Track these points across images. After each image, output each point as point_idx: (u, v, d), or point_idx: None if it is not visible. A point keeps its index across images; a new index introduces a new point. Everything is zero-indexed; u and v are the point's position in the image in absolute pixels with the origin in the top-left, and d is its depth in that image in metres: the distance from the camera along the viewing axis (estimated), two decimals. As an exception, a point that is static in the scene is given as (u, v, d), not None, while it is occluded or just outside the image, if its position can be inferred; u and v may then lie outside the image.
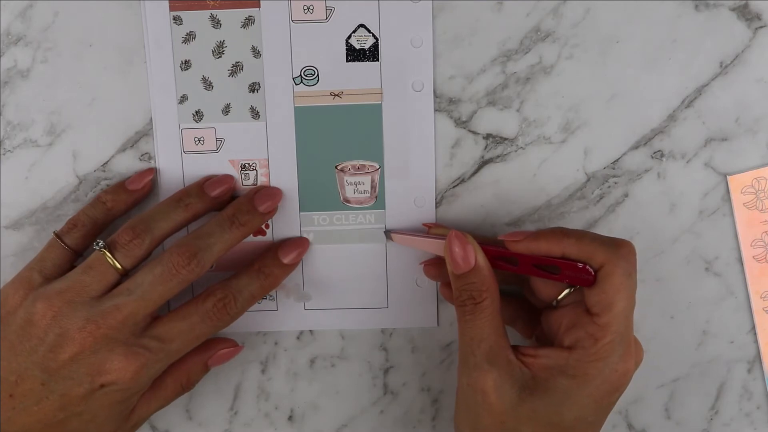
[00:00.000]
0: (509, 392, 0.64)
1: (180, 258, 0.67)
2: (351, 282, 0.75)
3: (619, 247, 0.64)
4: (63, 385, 0.66)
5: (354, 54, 0.72)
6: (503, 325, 0.67)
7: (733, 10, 0.72)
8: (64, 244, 0.70)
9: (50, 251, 0.70)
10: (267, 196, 0.71)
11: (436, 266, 0.73)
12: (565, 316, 0.66)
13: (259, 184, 0.74)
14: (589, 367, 0.64)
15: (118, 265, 0.67)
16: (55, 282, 0.67)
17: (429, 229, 0.73)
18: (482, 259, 0.66)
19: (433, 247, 0.69)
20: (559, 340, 0.66)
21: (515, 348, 0.66)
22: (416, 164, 0.74)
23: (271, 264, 0.72)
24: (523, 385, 0.64)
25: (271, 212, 0.72)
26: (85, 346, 0.65)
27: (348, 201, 0.74)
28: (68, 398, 0.66)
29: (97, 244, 0.67)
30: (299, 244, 0.73)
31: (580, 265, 0.64)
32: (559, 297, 0.67)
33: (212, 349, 0.74)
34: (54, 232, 0.70)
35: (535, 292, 0.69)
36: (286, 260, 0.72)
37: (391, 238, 0.73)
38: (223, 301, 0.69)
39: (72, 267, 0.70)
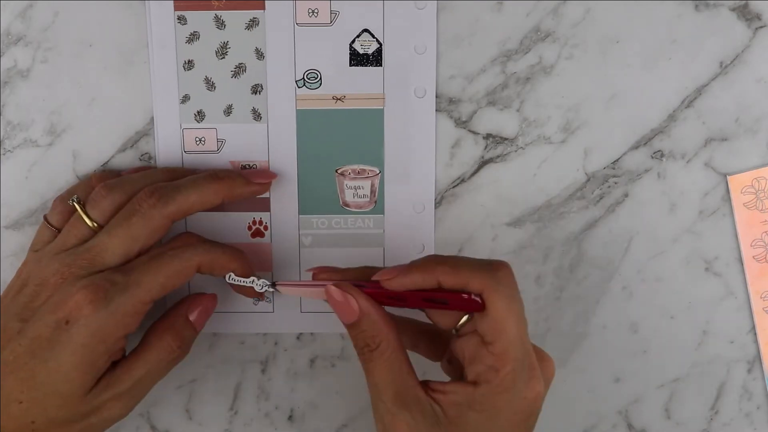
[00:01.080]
0: (424, 430, 0.63)
1: (144, 194, 0.66)
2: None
3: (496, 271, 0.62)
4: (33, 328, 0.65)
5: (357, 58, 0.72)
6: (407, 363, 0.65)
7: (733, 10, 0.72)
8: (49, 223, 0.70)
9: (40, 233, 0.70)
10: (260, 174, 0.72)
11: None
12: (467, 347, 0.64)
13: (258, 184, 0.74)
14: (496, 400, 0.62)
15: (88, 220, 0.67)
16: (47, 247, 0.68)
17: (314, 275, 0.69)
18: (367, 305, 0.64)
19: (319, 294, 0.67)
20: (465, 372, 0.65)
21: (425, 383, 0.65)
22: (416, 170, 0.74)
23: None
24: (435, 422, 0.63)
25: (258, 189, 0.72)
26: (55, 288, 0.65)
27: (347, 205, 0.74)
28: (37, 341, 0.64)
29: (72, 199, 0.68)
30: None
31: (465, 295, 0.62)
32: (458, 325, 0.65)
33: (190, 301, 0.72)
34: (43, 216, 0.71)
35: (435, 324, 0.67)
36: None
37: (276, 289, 0.69)
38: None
39: None
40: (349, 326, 0.65)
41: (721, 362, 0.77)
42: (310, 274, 0.68)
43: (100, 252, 0.66)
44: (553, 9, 0.72)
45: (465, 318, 0.64)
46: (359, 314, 0.64)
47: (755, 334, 0.76)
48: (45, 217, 0.70)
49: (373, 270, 0.67)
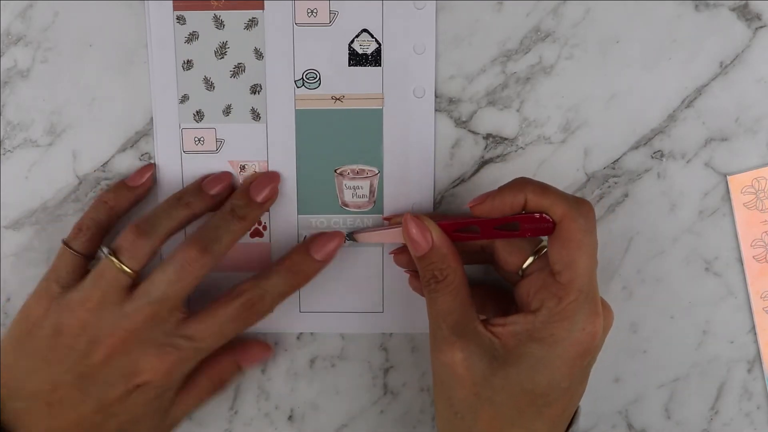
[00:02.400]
0: (479, 363, 0.64)
1: (191, 252, 0.67)
2: (347, 286, 0.75)
3: (580, 205, 0.64)
4: (98, 388, 0.67)
5: (356, 58, 0.72)
6: (470, 298, 0.66)
7: (733, 10, 0.72)
8: (73, 250, 0.70)
9: (62, 260, 0.70)
10: (262, 185, 0.71)
11: (404, 253, 0.72)
12: (532, 284, 0.66)
13: (258, 184, 0.74)
14: (555, 328, 0.63)
15: (127, 269, 0.67)
16: (74, 292, 0.68)
17: (389, 220, 0.73)
18: (439, 238, 0.66)
19: (394, 236, 0.69)
20: (525, 307, 0.66)
21: (485, 320, 0.66)
22: (415, 170, 0.74)
23: (301, 261, 0.71)
24: (493, 356, 0.64)
25: (270, 199, 0.72)
26: (115, 349, 0.67)
27: (346, 205, 0.74)
28: (105, 401, 0.67)
29: (102, 252, 0.68)
30: (332, 238, 0.72)
31: (537, 215, 0.64)
32: (525, 265, 0.67)
33: (245, 350, 0.75)
34: (62, 240, 0.71)
35: (502, 265, 0.69)
36: (317, 257, 0.71)
37: (354, 239, 0.72)
38: (251, 300, 0.69)
39: (86, 270, 0.70)
40: (420, 258, 0.66)
41: (721, 362, 0.77)
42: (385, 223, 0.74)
43: (154, 315, 0.67)
44: (553, 9, 0.72)
45: (531, 259, 0.67)
46: (431, 245, 0.65)
47: (755, 334, 0.76)
48: (66, 243, 0.71)
49: (443, 215, 0.71)
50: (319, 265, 0.72)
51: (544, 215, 0.63)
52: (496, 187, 0.65)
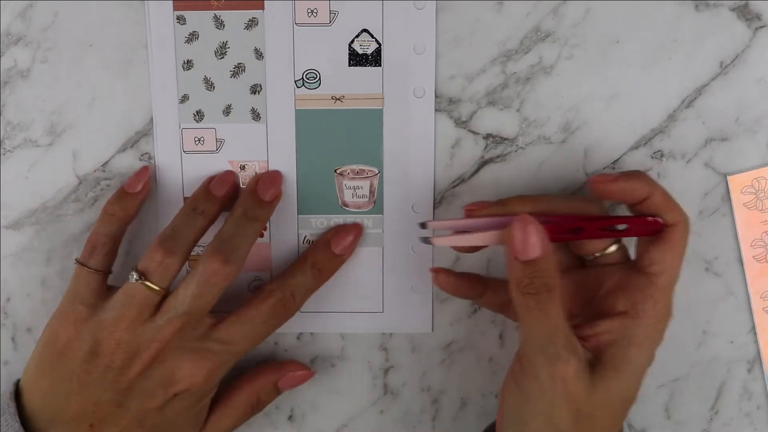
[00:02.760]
0: (584, 378, 0.62)
1: (214, 265, 0.67)
2: (346, 285, 0.75)
3: (688, 222, 0.64)
4: (138, 401, 0.68)
5: (356, 58, 0.72)
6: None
7: (733, 10, 0.72)
8: (91, 269, 0.70)
9: (80, 281, 0.70)
10: (268, 184, 0.71)
11: (450, 275, 0.71)
12: (612, 278, 0.65)
13: (258, 183, 0.74)
14: (653, 332, 0.63)
15: (158, 288, 0.67)
16: (104, 312, 0.68)
17: (469, 212, 0.68)
18: (549, 244, 0.61)
19: (485, 239, 0.65)
20: (604, 305, 0.64)
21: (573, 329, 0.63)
22: (415, 170, 0.74)
23: (323, 257, 0.72)
24: (592, 368, 0.62)
25: (277, 197, 0.72)
26: (152, 360, 0.67)
27: (346, 205, 0.74)
28: (145, 412, 0.68)
29: (132, 276, 0.67)
30: (349, 232, 0.73)
31: (651, 218, 0.63)
32: (604, 252, 0.66)
33: (284, 370, 0.75)
34: (76, 260, 0.70)
35: (574, 246, 0.68)
36: (337, 251, 0.72)
37: (431, 242, 0.67)
38: (282, 301, 0.70)
39: (106, 285, 0.71)
40: (528, 263, 0.61)
41: (721, 362, 0.77)
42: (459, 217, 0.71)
43: (186, 325, 0.67)
44: (553, 9, 0.72)
45: (614, 247, 0.66)
46: (542, 252, 0.61)
47: (755, 334, 0.76)
48: (81, 263, 0.70)
49: (531, 199, 0.67)
50: (340, 259, 0.73)
51: (658, 219, 0.63)
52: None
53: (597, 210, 0.66)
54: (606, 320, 0.63)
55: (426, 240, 0.67)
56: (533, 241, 0.61)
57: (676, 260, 0.63)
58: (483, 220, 0.66)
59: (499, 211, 0.66)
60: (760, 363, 0.76)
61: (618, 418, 0.64)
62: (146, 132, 0.73)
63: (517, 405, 0.65)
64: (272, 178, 0.72)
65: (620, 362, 0.62)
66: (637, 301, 0.63)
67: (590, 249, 0.67)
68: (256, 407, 0.74)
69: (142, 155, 0.74)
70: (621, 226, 0.65)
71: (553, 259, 0.61)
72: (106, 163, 0.74)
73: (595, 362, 0.63)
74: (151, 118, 0.73)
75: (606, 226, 0.64)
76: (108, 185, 0.74)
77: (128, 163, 0.74)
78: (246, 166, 0.73)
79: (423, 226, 0.69)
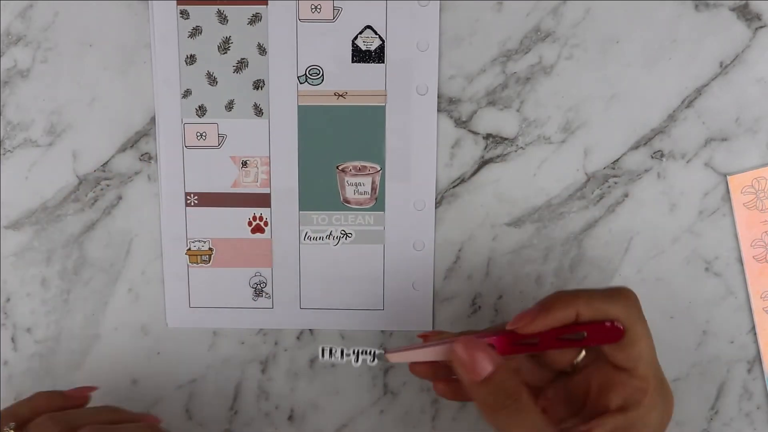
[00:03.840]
0: None
1: None
2: (347, 283, 0.75)
3: (626, 298, 0.62)
4: None
5: (360, 55, 0.72)
6: (535, 403, 0.61)
7: (733, 10, 0.72)
8: None
9: None
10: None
11: (425, 365, 0.68)
12: (593, 378, 0.64)
13: (259, 181, 0.74)
14: (649, 419, 0.62)
15: None
16: None
17: (425, 339, 0.68)
18: (498, 357, 0.61)
19: (435, 354, 0.64)
20: (598, 403, 0.63)
21: (564, 430, 0.63)
22: (417, 167, 0.74)
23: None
24: None
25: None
26: None
27: (348, 201, 0.74)
28: None
29: (9, 426, 0.65)
30: None
31: (608, 323, 0.61)
32: (577, 360, 0.65)
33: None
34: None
35: (550, 363, 0.66)
36: None
37: (386, 359, 0.66)
38: None
39: None
40: (483, 382, 0.60)
41: (721, 362, 0.77)
42: (419, 341, 0.68)
43: None
44: (553, 9, 0.72)
45: (583, 354, 0.65)
46: (494, 367, 0.60)
47: (755, 334, 0.76)
48: None
49: (484, 331, 0.65)
50: None
51: (615, 324, 0.61)
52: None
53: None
54: (600, 418, 0.62)
55: (381, 356, 0.66)
56: (480, 358, 0.60)
57: (642, 350, 0.62)
58: (435, 345, 0.64)
59: (449, 336, 0.66)
60: (760, 363, 0.76)
61: None
62: (146, 132, 0.73)
63: None
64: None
65: None
66: (627, 395, 0.62)
67: (563, 359, 0.65)
68: None
69: (142, 155, 0.74)
70: (580, 334, 0.63)
71: (508, 369, 0.60)
72: (106, 163, 0.74)
73: None
74: (151, 118, 0.73)
75: (562, 335, 0.62)
76: (108, 185, 0.74)
77: (128, 163, 0.74)
78: (248, 162, 0.74)
79: (380, 357, 0.66)
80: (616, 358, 0.62)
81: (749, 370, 0.77)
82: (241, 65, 0.73)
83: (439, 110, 0.73)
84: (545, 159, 0.74)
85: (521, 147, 0.74)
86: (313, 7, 0.72)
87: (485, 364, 0.60)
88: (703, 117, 0.74)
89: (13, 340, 0.76)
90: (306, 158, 0.73)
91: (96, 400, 0.70)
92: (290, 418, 0.78)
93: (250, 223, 0.74)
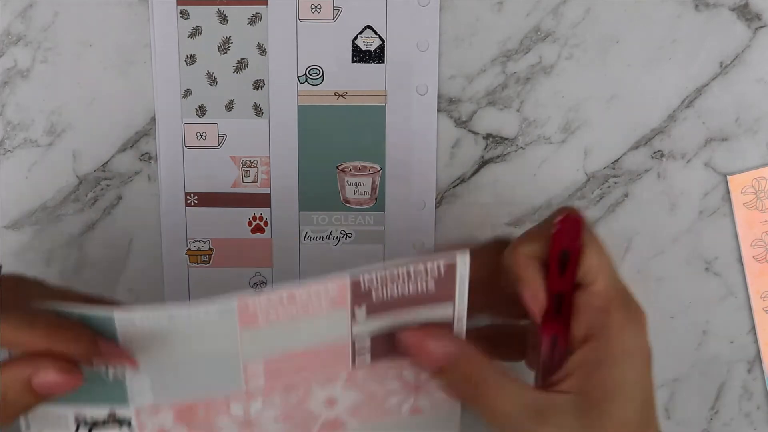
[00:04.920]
0: (577, 429, 0.56)
1: None
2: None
3: (566, 211, 0.59)
4: None
5: (360, 55, 0.72)
6: (515, 377, 0.58)
7: (733, 10, 0.72)
8: None
9: None
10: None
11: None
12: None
13: (259, 181, 0.74)
14: (620, 344, 0.56)
15: None
16: None
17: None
18: (454, 343, 0.58)
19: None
20: (571, 341, 0.59)
21: (541, 387, 0.59)
22: (418, 168, 0.74)
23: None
24: (581, 411, 0.56)
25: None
26: None
27: (348, 201, 0.74)
28: None
29: None
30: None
31: (557, 220, 0.57)
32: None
33: (42, 366, 0.56)
34: None
35: (509, 316, 0.64)
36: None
37: None
38: None
39: None
40: (439, 372, 0.59)
41: (721, 362, 0.77)
42: None
43: None
44: (553, 9, 0.72)
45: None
46: (446, 355, 0.58)
47: (755, 334, 0.76)
48: None
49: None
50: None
51: (564, 216, 0.58)
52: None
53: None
54: (570, 358, 0.58)
55: None
56: (431, 347, 0.58)
57: (598, 254, 0.58)
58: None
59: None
60: (760, 363, 0.76)
61: None
62: (146, 132, 0.73)
63: None
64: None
65: (598, 392, 0.56)
66: (590, 321, 0.57)
67: (516, 311, 0.61)
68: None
69: (142, 155, 0.74)
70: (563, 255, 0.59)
71: (466, 352, 0.58)
72: (106, 163, 0.74)
73: (583, 403, 0.56)
74: (152, 118, 0.73)
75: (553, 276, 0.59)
76: (108, 185, 0.74)
77: (128, 163, 0.74)
78: (248, 162, 0.74)
79: None
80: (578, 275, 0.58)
81: (749, 370, 0.77)
82: (241, 65, 0.73)
83: (439, 110, 0.73)
84: (545, 159, 0.74)
85: (521, 147, 0.74)
86: (313, 7, 0.71)
87: (437, 352, 0.58)
88: (703, 117, 0.74)
89: (13, 340, 0.76)
90: (306, 158, 0.73)
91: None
92: (290, 418, 0.78)
93: (250, 223, 0.74)
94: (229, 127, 0.73)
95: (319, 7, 0.72)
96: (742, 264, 0.75)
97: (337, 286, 0.56)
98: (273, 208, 0.74)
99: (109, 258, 0.75)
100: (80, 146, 0.74)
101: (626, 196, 0.74)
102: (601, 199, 0.74)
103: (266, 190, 0.74)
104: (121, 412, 0.59)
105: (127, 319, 0.55)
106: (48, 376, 0.55)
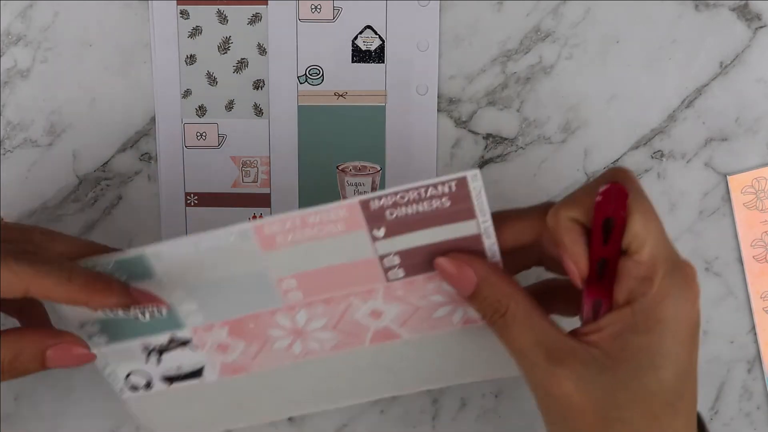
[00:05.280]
0: (594, 384, 0.56)
1: None
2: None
3: (620, 171, 0.58)
4: None
5: (360, 55, 0.72)
6: (547, 317, 0.59)
7: (733, 10, 0.72)
8: None
9: None
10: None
11: None
12: None
13: (259, 181, 0.74)
14: (660, 312, 0.56)
15: None
16: None
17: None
18: (484, 268, 0.59)
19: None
20: (613, 300, 0.58)
21: (574, 332, 0.58)
22: (418, 168, 0.74)
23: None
24: (599, 368, 0.56)
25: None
26: None
27: (348, 202, 0.74)
28: None
29: None
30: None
31: (601, 189, 0.56)
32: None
33: (59, 338, 0.61)
34: None
35: (553, 263, 0.63)
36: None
37: None
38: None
39: None
40: (470, 297, 0.60)
41: (721, 362, 0.77)
42: None
43: None
44: (553, 9, 0.72)
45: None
46: (477, 281, 0.59)
47: (755, 334, 0.76)
48: None
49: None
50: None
51: (609, 186, 0.56)
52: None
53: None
54: (607, 315, 0.57)
55: None
56: (465, 272, 0.60)
57: (646, 222, 0.56)
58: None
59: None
60: (760, 363, 0.76)
61: (657, 414, 0.57)
62: (146, 132, 0.73)
63: (548, 426, 0.61)
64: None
65: (629, 356, 0.56)
66: (632, 288, 0.56)
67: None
68: (5, 369, 0.60)
69: (142, 155, 0.74)
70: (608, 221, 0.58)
71: (494, 282, 0.59)
72: (106, 163, 0.74)
73: (608, 360, 0.56)
74: (151, 118, 0.73)
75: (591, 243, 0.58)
76: (108, 185, 0.74)
77: (128, 163, 0.74)
78: (248, 162, 0.74)
79: None
80: (623, 242, 0.57)
81: (749, 370, 0.77)
82: (241, 65, 0.73)
83: (439, 110, 0.73)
84: (545, 159, 0.74)
85: (521, 147, 0.74)
86: (313, 7, 0.71)
87: (470, 278, 0.60)
88: (703, 117, 0.74)
89: (13, 340, 0.76)
90: (306, 158, 0.73)
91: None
92: (290, 418, 0.78)
93: (250, 223, 0.74)
94: (229, 127, 0.73)
95: (319, 7, 0.72)
96: (742, 264, 0.75)
97: (347, 207, 0.58)
98: (273, 208, 0.74)
99: (109, 258, 0.75)
100: (80, 146, 0.74)
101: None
102: (601, 199, 0.74)
103: (266, 190, 0.74)
104: (180, 334, 0.64)
105: (157, 254, 0.59)
106: (69, 350, 0.61)
